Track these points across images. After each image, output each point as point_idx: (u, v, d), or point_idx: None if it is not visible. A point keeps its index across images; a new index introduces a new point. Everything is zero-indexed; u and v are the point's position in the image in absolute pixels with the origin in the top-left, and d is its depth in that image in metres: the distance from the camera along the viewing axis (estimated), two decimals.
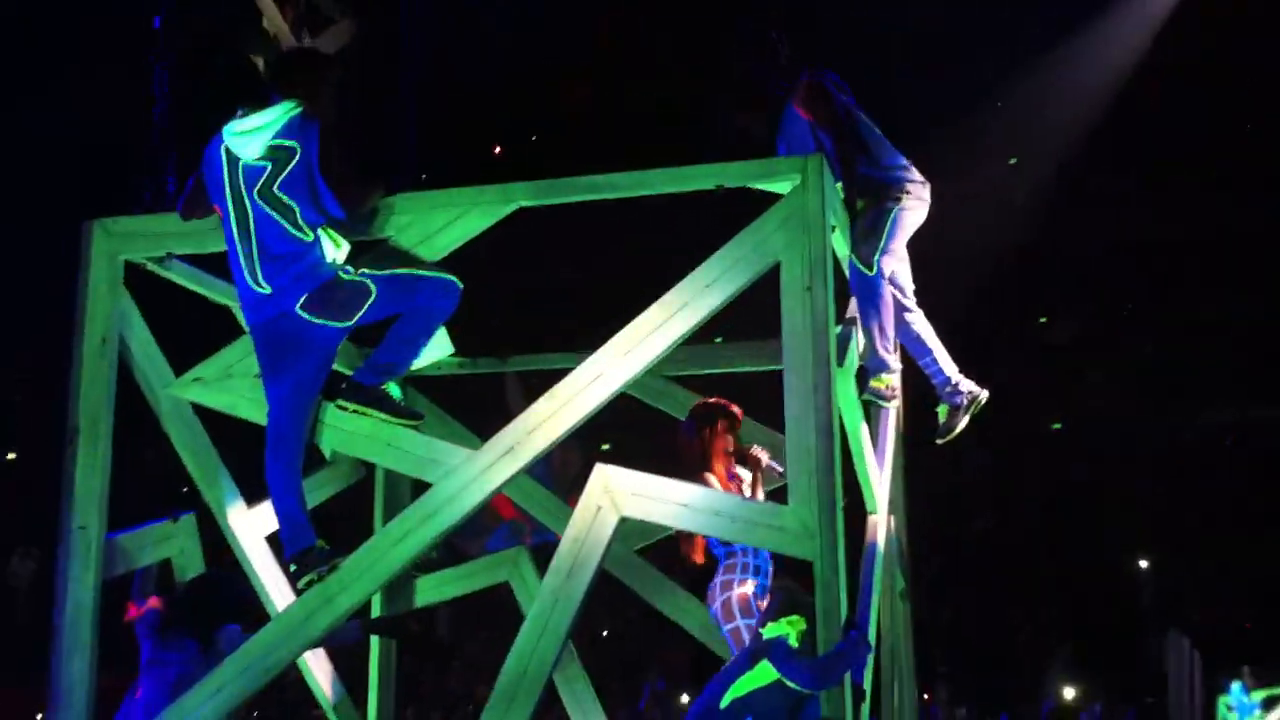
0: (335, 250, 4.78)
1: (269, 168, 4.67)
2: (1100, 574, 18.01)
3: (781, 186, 4.76)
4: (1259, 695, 9.89)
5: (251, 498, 5.59)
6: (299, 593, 4.83)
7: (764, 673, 4.63)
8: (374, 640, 6.49)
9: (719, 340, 6.75)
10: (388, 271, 4.80)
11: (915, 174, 5.75)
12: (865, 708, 4.88)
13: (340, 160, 4.75)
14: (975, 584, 17.01)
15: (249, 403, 5.02)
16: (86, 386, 5.10)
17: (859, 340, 5.66)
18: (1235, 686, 10.48)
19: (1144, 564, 17.81)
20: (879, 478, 5.67)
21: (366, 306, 4.76)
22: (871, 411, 5.85)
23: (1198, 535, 17.93)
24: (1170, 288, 20.65)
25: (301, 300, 4.70)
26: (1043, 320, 21.80)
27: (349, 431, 4.93)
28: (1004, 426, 19.94)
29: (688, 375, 6.55)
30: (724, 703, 4.70)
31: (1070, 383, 20.61)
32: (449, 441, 5.06)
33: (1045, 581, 17.53)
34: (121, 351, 5.21)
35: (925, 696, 12.41)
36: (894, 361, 5.71)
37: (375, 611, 6.46)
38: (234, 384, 5.05)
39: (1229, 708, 10.49)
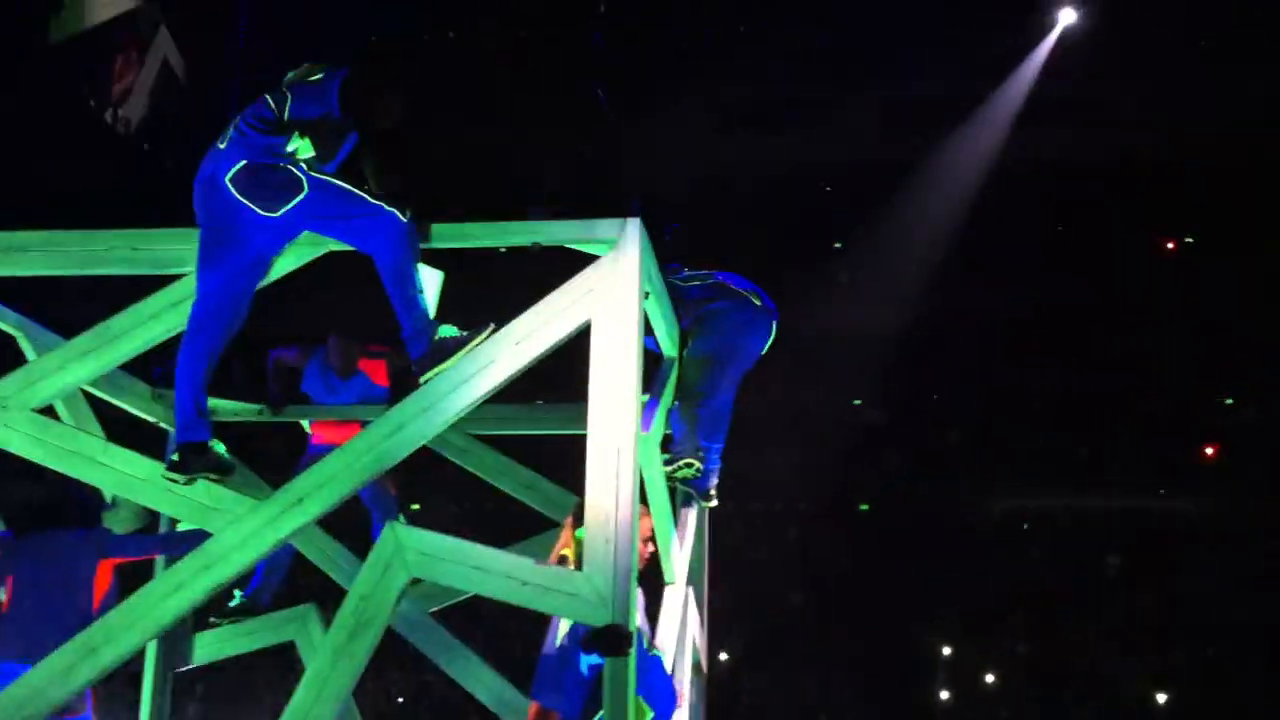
0: (295, 148, 4.66)
1: (299, 73, 4.81)
2: (900, 654, 18.32)
3: (599, 248, 4.71)
4: None
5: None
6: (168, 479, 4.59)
7: None
8: (145, 698, 6.17)
9: (540, 402, 6.68)
10: (327, 178, 4.66)
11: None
12: None
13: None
14: (777, 660, 17.11)
15: (23, 437, 4.72)
16: None
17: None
18: None
19: (946, 650, 18.22)
20: (678, 548, 5.62)
21: (294, 203, 4.59)
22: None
23: (993, 618, 18.40)
24: (973, 374, 21.39)
25: (234, 170, 4.59)
26: (857, 402, 22.30)
27: (128, 475, 4.67)
28: (814, 505, 20.34)
29: (495, 435, 6.45)
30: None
31: (878, 465, 21.08)
32: (238, 490, 4.83)
33: (846, 660, 17.73)
34: None
35: None
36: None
37: (148, 665, 6.16)
38: (9, 416, 4.74)
39: None
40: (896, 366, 21.31)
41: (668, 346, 5.80)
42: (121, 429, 5.59)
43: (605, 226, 4.71)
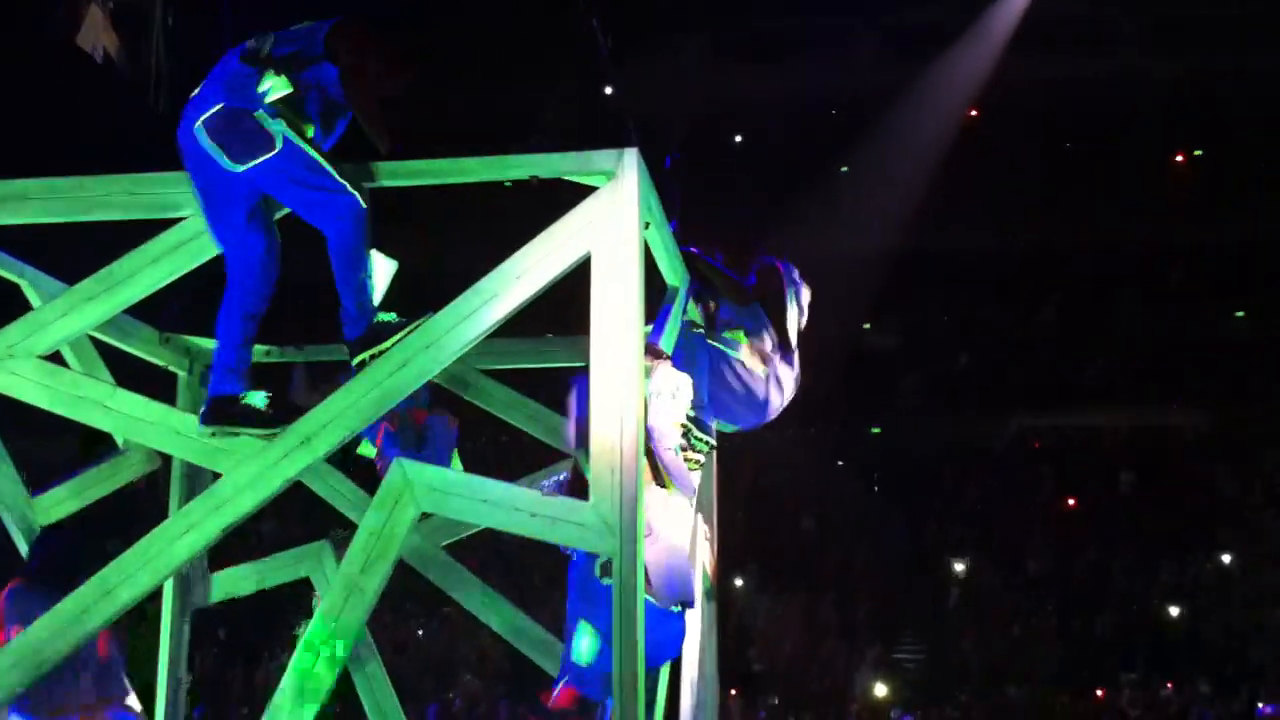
0: (271, 89, 4.55)
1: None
2: (915, 575, 18.47)
3: (597, 180, 4.70)
4: None
5: (34, 485, 5.33)
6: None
7: None
8: (164, 637, 6.26)
9: (549, 336, 6.68)
10: (302, 144, 4.57)
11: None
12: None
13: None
14: (792, 584, 17.25)
15: (31, 385, 4.75)
16: None
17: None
18: None
19: (959, 566, 18.29)
20: None
21: (261, 159, 4.52)
22: None
23: (1007, 537, 18.52)
24: (984, 299, 21.40)
25: (206, 114, 4.55)
26: (866, 326, 22.32)
27: (137, 419, 4.71)
28: (827, 429, 20.42)
29: (501, 369, 6.47)
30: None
31: (889, 387, 21.14)
32: None
33: (860, 582, 17.89)
34: None
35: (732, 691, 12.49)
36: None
37: (165, 604, 6.24)
38: (16, 364, 4.76)
39: None
40: (905, 290, 21.29)
41: (670, 276, 5.80)
42: (130, 374, 5.62)
43: (602, 158, 4.69)
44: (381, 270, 4.80)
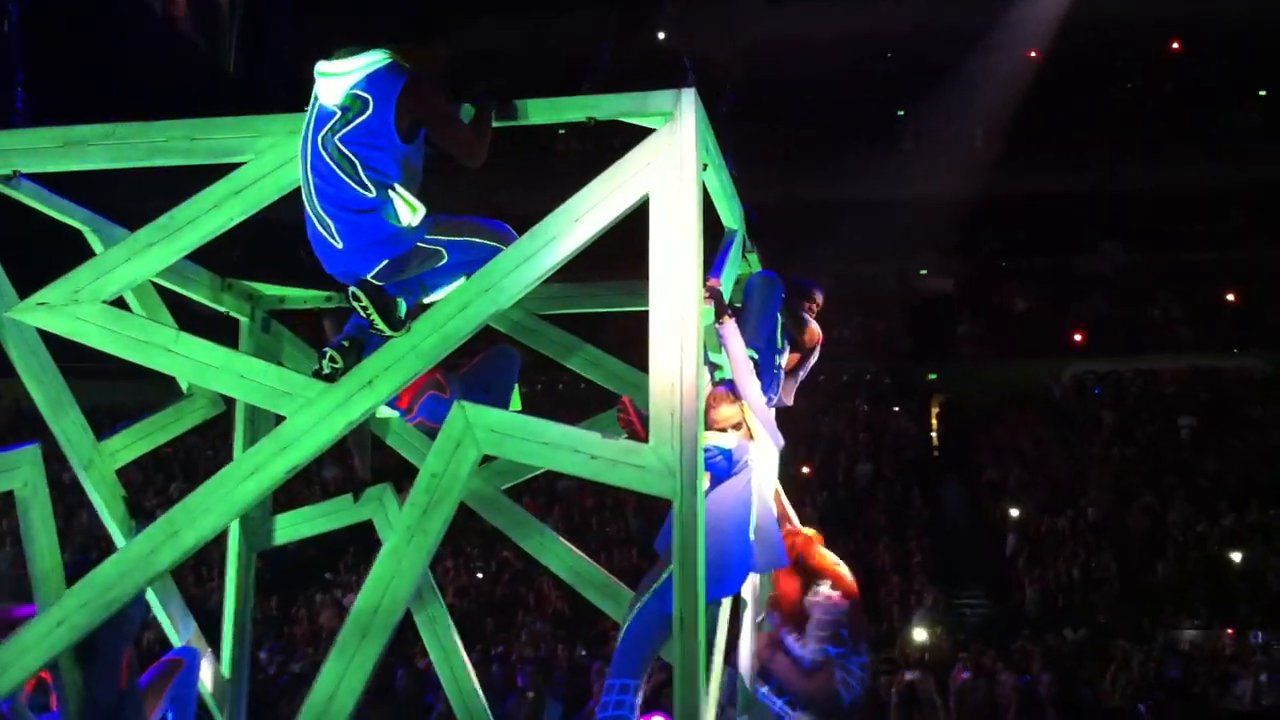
0: (411, 215, 4.55)
1: (336, 115, 4.51)
2: (973, 519, 18.40)
3: (654, 121, 4.67)
4: None
5: (100, 428, 5.39)
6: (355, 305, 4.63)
7: None
8: (230, 578, 6.36)
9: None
10: (461, 238, 4.72)
11: None
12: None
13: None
14: (851, 528, 17.23)
15: (96, 329, 4.82)
16: None
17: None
18: None
19: (1014, 512, 18.19)
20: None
21: (433, 267, 4.71)
22: None
23: (1065, 482, 18.38)
24: (1042, 243, 21.14)
25: (376, 270, 4.59)
26: (923, 272, 22.15)
27: (202, 363, 4.76)
28: (882, 375, 20.32)
29: (559, 314, 6.47)
30: None
31: (945, 333, 20.97)
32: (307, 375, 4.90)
33: (916, 526, 17.83)
34: None
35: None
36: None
37: (231, 546, 6.33)
38: (81, 309, 4.83)
39: None
40: (962, 234, 21.08)
41: (729, 218, 5.78)
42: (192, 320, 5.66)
43: (660, 99, 4.67)
44: None
